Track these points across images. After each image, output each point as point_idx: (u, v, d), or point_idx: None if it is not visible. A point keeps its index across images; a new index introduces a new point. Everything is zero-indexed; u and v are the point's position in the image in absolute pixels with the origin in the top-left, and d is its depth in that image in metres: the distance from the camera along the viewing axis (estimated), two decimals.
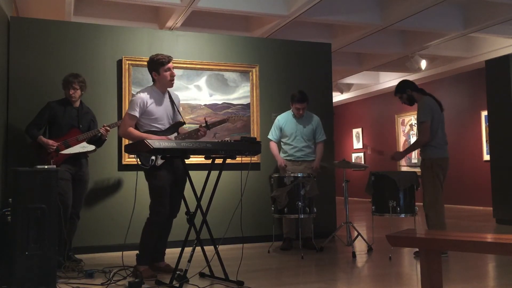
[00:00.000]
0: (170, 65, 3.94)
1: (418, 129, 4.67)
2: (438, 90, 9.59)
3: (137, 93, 3.98)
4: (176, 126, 4.04)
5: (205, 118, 4.29)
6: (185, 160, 3.65)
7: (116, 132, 5.12)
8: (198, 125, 3.98)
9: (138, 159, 3.81)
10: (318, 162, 5.28)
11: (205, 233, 3.71)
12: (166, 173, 3.87)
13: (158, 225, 3.89)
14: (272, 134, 5.43)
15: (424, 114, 4.53)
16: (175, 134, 4.00)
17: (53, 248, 3.30)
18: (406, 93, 4.72)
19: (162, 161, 3.83)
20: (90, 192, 4.94)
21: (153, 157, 3.79)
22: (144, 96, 3.88)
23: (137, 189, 4.06)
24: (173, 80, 3.98)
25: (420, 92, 4.71)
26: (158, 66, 3.90)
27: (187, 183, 3.73)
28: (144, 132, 3.87)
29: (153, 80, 3.99)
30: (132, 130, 3.86)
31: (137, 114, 3.84)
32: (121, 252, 4.49)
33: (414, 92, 4.71)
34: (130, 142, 3.85)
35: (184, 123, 4.14)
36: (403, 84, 4.78)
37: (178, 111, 4.12)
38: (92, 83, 5.01)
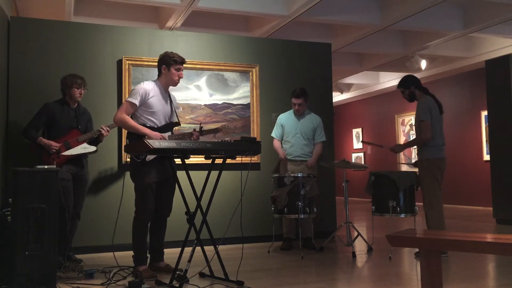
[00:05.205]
0: (182, 66, 4.00)
1: (417, 127, 4.68)
2: (438, 90, 9.57)
3: (140, 83, 3.99)
4: (171, 125, 4.05)
5: (200, 124, 4.33)
6: (185, 160, 3.65)
7: (116, 132, 5.12)
8: (193, 129, 4.01)
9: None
10: (314, 160, 5.26)
11: (205, 233, 3.70)
12: (154, 171, 3.87)
13: (144, 222, 3.90)
14: (275, 132, 5.45)
15: (424, 113, 4.55)
16: (169, 133, 4.02)
17: (53, 248, 3.29)
18: (409, 89, 4.72)
19: (153, 156, 3.83)
20: (90, 192, 4.93)
21: None
22: (148, 87, 3.90)
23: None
24: (178, 80, 4.02)
25: (423, 91, 4.72)
26: (170, 62, 3.94)
27: (187, 184, 3.72)
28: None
29: (159, 74, 4.01)
30: (128, 118, 3.86)
31: (137, 102, 3.84)
32: (121, 252, 4.50)
33: (417, 89, 4.72)
34: (130, 142, 3.84)
35: (179, 124, 4.15)
36: (408, 80, 4.77)
37: (176, 112, 4.13)
38: (92, 83, 5.00)
